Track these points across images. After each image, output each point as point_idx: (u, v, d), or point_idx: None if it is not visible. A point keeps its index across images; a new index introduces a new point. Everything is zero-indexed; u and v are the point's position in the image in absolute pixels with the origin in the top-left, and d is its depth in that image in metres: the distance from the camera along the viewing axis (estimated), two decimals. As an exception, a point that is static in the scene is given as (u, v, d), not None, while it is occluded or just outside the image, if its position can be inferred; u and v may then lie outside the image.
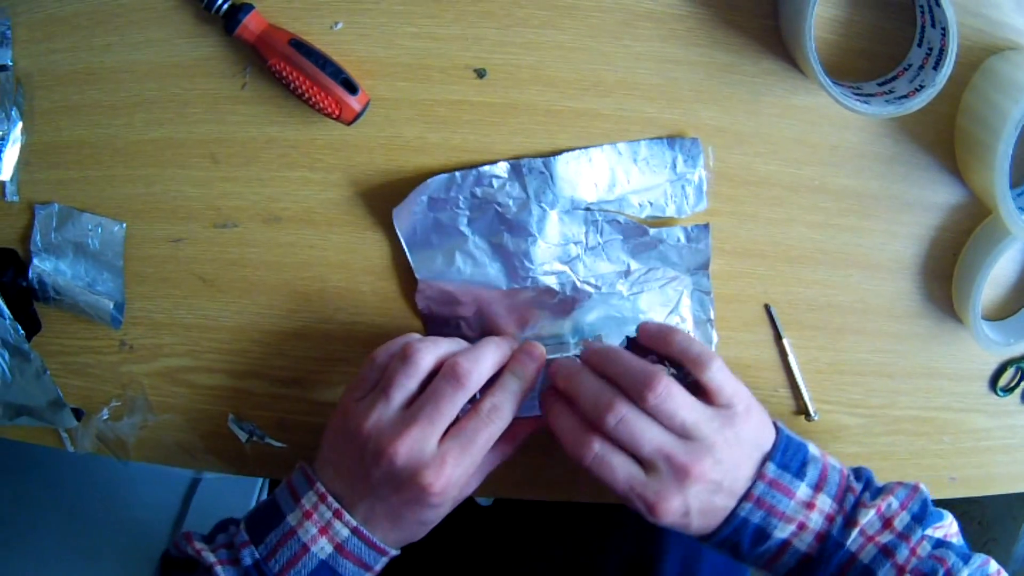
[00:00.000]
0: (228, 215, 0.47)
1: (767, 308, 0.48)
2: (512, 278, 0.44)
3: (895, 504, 0.40)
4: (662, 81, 0.43)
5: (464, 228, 0.44)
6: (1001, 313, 0.52)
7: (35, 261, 0.48)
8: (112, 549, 0.67)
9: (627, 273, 0.45)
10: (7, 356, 0.49)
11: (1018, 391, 0.55)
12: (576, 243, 0.44)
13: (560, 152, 0.43)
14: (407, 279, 0.47)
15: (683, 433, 0.39)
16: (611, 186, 0.44)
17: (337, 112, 0.43)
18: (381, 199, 0.46)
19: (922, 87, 0.41)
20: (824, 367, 0.50)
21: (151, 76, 0.45)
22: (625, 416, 0.38)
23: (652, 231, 0.44)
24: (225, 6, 0.42)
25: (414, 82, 0.43)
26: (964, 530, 0.44)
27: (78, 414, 0.51)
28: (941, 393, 0.53)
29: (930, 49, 0.41)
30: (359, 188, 0.46)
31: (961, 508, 0.47)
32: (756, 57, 0.43)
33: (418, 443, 0.37)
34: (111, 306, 0.49)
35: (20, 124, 0.46)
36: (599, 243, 0.44)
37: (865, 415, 0.53)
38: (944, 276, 0.49)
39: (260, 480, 0.71)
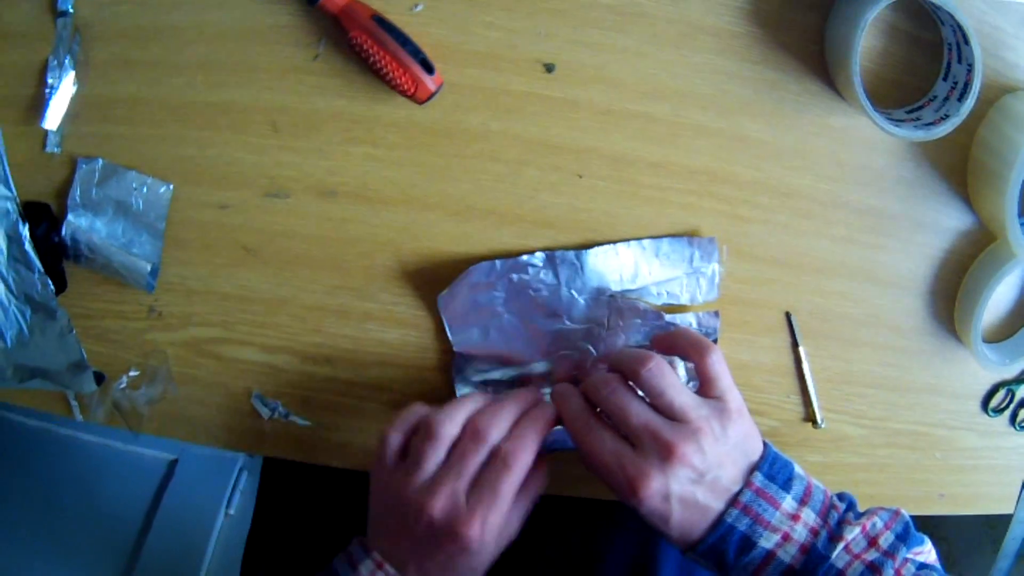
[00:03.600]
0: (281, 185, 0.49)
1: (788, 316, 0.53)
2: (539, 353, 0.50)
3: (879, 524, 0.44)
4: (714, 92, 0.48)
5: (500, 308, 0.49)
6: (998, 335, 0.57)
7: (70, 217, 0.48)
8: (86, 538, 0.65)
9: None
10: (28, 313, 0.49)
11: (1007, 412, 0.60)
12: (599, 325, 0.50)
13: (591, 246, 0.49)
14: (459, 269, 0.50)
15: (671, 414, 0.42)
16: (634, 277, 0.50)
17: (412, 90, 0.45)
18: (441, 179, 0.49)
19: (947, 116, 0.46)
20: (834, 376, 0.55)
21: (220, 38, 0.47)
22: (617, 388, 0.42)
23: (667, 316, 0.50)
24: None
25: (484, 70, 0.47)
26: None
27: (99, 378, 0.51)
28: (938, 410, 0.57)
29: (955, 83, 0.47)
30: (418, 168, 0.48)
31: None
32: (800, 77, 0.48)
33: (450, 499, 0.40)
34: (148, 268, 0.49)
35: (72, 73, 0.47)
36: (619, 325, 0.50)
37: (867, 426, 0.57)
38: (948, 296, 0.54)
39: (239, 463, 0.71)
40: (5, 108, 0.47)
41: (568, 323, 0.50)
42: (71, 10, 0.46)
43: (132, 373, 0.52)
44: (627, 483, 0.41)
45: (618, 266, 0.49)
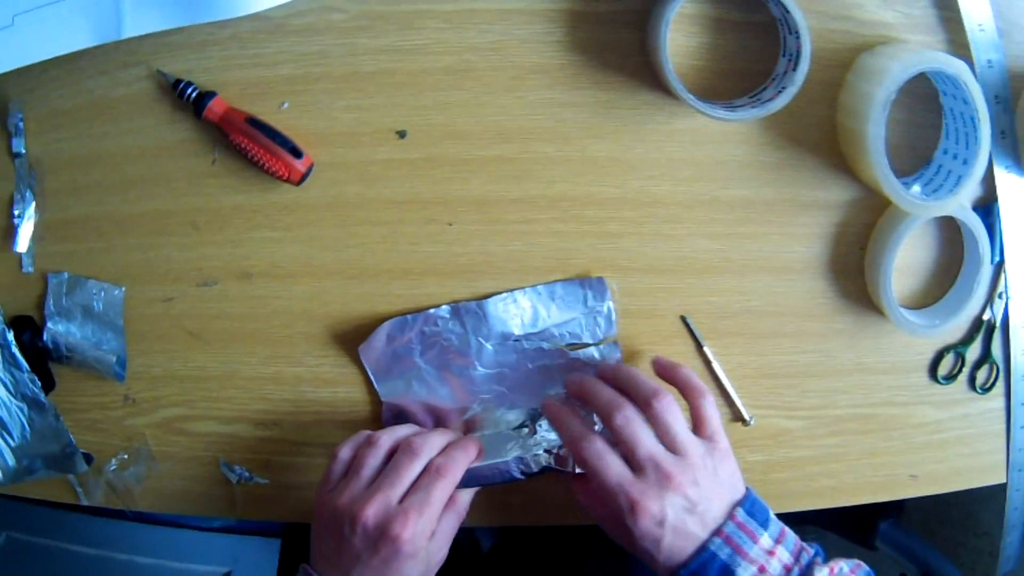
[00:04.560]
0: (209, 274, 0.57)
1: (683, 319, 0.55)
2: (459, 399, 0.56)
3: (845, 569, 0.48)
4: (554, 123, 0.52)
5: (417, 359, 0.56)
6: (928, 299, 0.58)
7: (49, 324, 0.59)
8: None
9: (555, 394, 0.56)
10: (26, 410, 0.59)
11: (962, 377, 0.59)
12: (509, 368, 0.56)
13: (491, 295, 0.55)
14: (365, 325, 0.56)
15: (673, 447, 0.48)
16: (535, 321, 0.55)
17: (287, 174, 0.53)
18: (334, 248, 0.56)
19: (783, 89, 0.48)
20: (751, 372, 0.57)
21: (141, 157, 0.56)
22: (631, 418, 0.48)
23: (571, 354, 0.55)
24: (194, 94, 0.54)
25: (348, 147, 0.54)
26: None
27: (88, 458, 0.60)
28: (879, 388, 0.58)
29: (791, 55, 0.49)
30: (313, 242, 0.56)
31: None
32: (634, 91, 0.52)
33: (383, 504, 0.47)
34: (114, 360, 0.58)
35: (33, 203, 0.57)
36: (528, 367, 0.55)
37: (804, 417, 0.58)
38: (856, 271, 0.56)
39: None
40: None
41: (480, 368, 0.56)
42: (24, 151, 0.57)
43: (120, 456, 0.61)
44: (628, 505, 0.46)
45: (518, 312, 0.55)
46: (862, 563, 0.49)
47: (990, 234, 0.57)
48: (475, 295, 0.55)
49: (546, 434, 0.55)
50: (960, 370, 0.59)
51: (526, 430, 0.56)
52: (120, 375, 0.60)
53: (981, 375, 0.59)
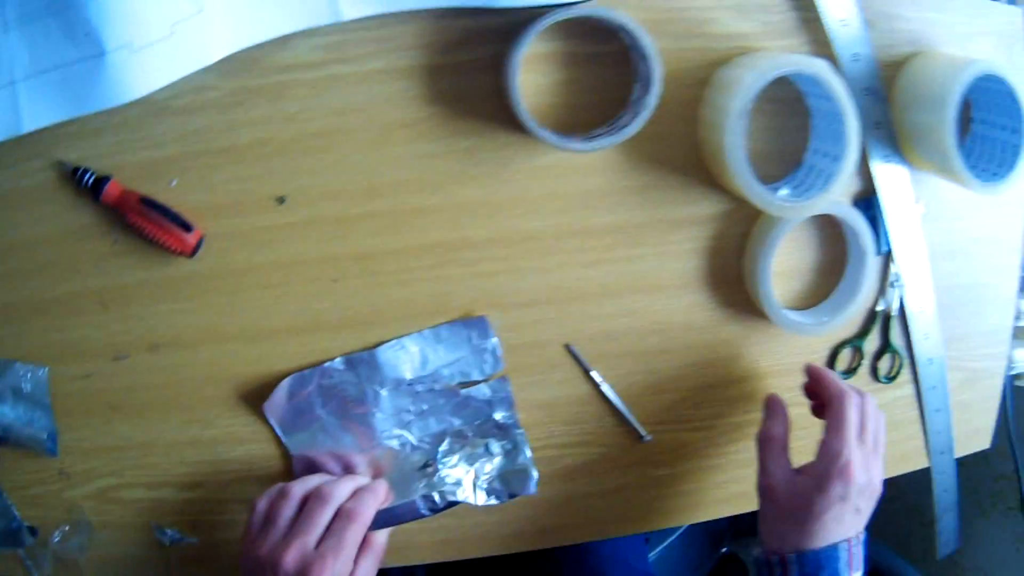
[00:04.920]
0: (120, 348, 0.60)
1: (567, 347, 0.57)
2: (363, 446, 0.59)
3: None
4: (421, 174, 0.56)
5: (319, 411, 0.59)
6: (818, 299, 0.60)
7: (-17, 408, 0.62)
8: None
9: (454, 433, 0.60)
10: (-32, 495, 0.61)
11: (862, 370, 0.60)
12: (406, 411, 0.59)
13: (380, 344, 0.58)
14: (267, 383, 0.59)
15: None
16: (424, 364, 0.58)
17: (180, 248, 0.56)
18: (230, 314, 0.59)
19: (638, 114, 0.51)
20: (642, 390, 0.60)
21: (49, 244, 0.59)
22: (868, 408, 0.56)
23: (463, 392, 0.58)
24: (91, 180, 0.57)
25: (234, 217, 0.57)
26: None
27: (33, 531, 0.63)
28: (778, 390, 0.61)
29: (644, 80, 0.52)
30: (211, 310, 0.59)
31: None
32: (495, 134, 0.55)
33: (300, 549, 0.50)
34: (46, 437, 0.62)
35: None
36: (424, 409, 0.59)
37: (702, 427, 0.60)
38: (736, 280, 0.59)
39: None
40: None
41: (379, 414, 0.59)
42: None
43: (64, 527, 0.64)
44: (844, 461, 0.52)
45: (407, 357, 0.58)
46: None
47: (874, 226, 0.59)
48: (366, 345, 0.58)
49: (450, 471, 0.58)
50: (859, 363, 0.61)
51: (430, 469, 0.59)
52: (53, 451, 0.63)
53: (883, 365, 0.62)
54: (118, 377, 0.61)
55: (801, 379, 0.59)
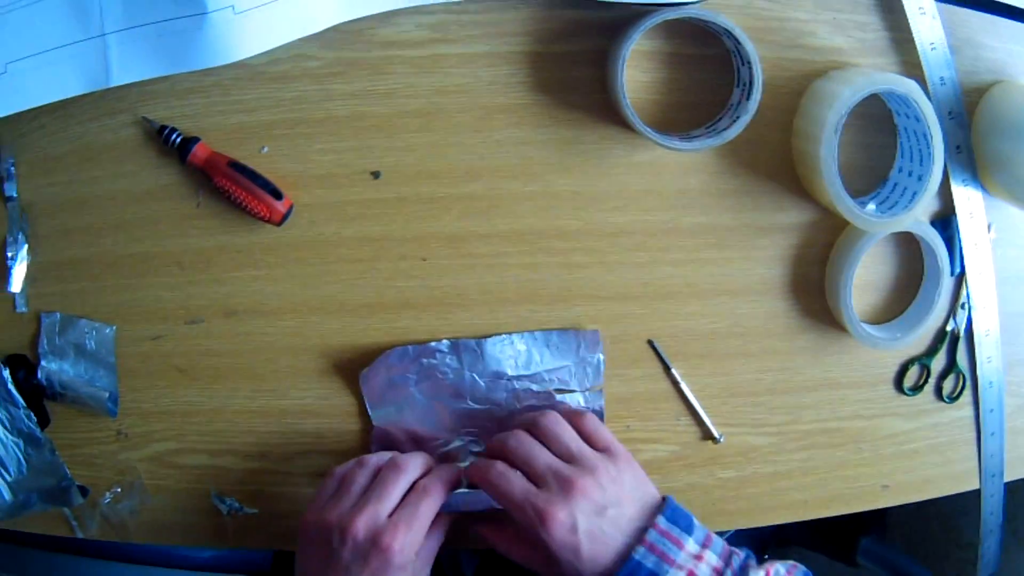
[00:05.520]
0: (195, 312, 0.62)
1: (651, 343, 0.60)
2: (446, 430, 0.61)
3: (782, 570, 0.52)
4: (520, 161, 0.58)
5: (412, 389, 0.61)
6: (889, 314, 0.63)
7: (43, 362, 0.64)
8: None
9: None
10: (22, 445, 0.63)
11: (928, 388, 0.63)
12: (498, 406, 0.61)
13: (490, 336, 0.60)
14: (345, 359, 0.62)
15: (569, 458, 0.53)
16: (528, 364, 0.60)
17: (268, 215, 0.58)
18: (314, 286, 0.61)
19: (738, 118, 0.53)
20: (718, 391, 0.62)
21: (129, 201, 0.62)
22: (522, 439, 0.54)
23: (558, 397, 0.61)
24: (178, 140, 0.59)
25: (326, 188, 0.59)
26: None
27: (84, 491, 0.64)
28: (846, 402, 0.64)
29: (744, 85, 0.55)
30: (294, 280, 0.61)
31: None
32: (595, 127, 0.58)
33: (372, 517, 0.52)
34: (107, 396, 0.63)
35: (26, 246, 0.63)
36: (516, 407, 0.61)
37: (772, 433, 0.62)
38: (817, 290, 0.61)
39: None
40: None
41: (471, 404, 0.62)
42: (16, 195, 0.62)
43: (115, 489, 0.65)
44: (537, 516, 0.51)
45: (514, 354, 0.61)
46: (799, 564, 0.53)
47: (949, 247, 0.62)
48: (449, 327, 0.61)
49: None
50: (926, 381, 0.64)
51: None
52: (113, 411, 0.64)
53: (948, 385, 0.65)
54: (189, 341, 0.63)
55: (872, 390, 0.62)
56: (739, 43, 0.53)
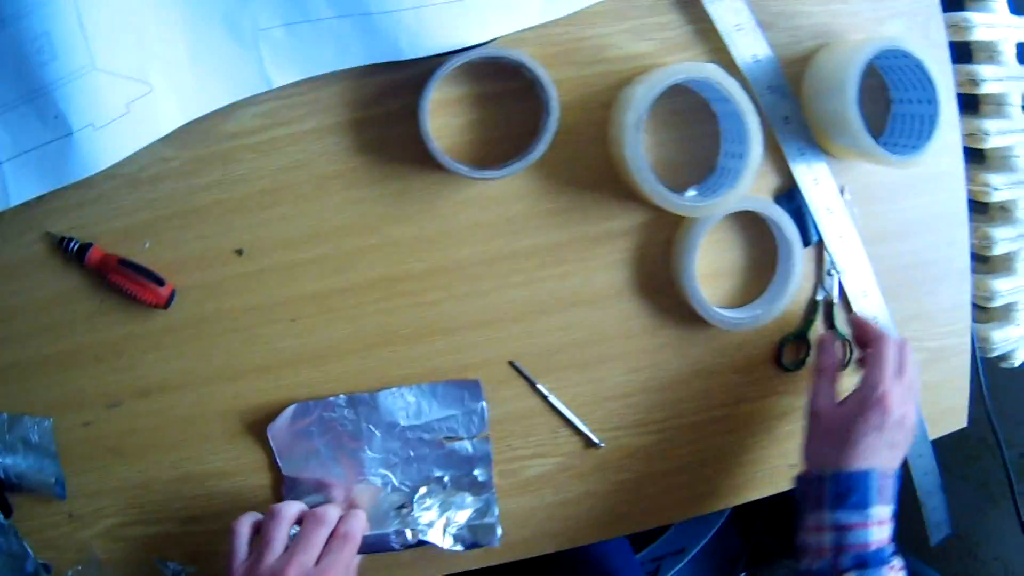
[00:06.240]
0: (114, 397, 0.79)
1: (511, 363, 0.74)
2: (350, 478, 0.75)
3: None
4: (359, 218, 0.72)
5: (316, 440, 0.74)
6: (752, 297, 0.74)
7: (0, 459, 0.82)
8: None
9: (433, 480, 0.75)
10: (-11, 541, 0.82)
11: (809, 360, 0.74)
12: (394, 454, 0.74)
13: (382, 389, 0.74)
14: (248, 419, 0.77)
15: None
16: (418, 414, 0.74)
17: (155, 301, 0.75)
18: (206, 358, 0.76)
19: (540, 139, 0.66)
20: (590, 399, 0.74)
21: (46, 307, 0.77)
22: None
23: (448, 445, 0.74)
24: (75, 247, 0.75)
25: (201, 270, 0.74)
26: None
27: (47, 568, 0.82)
28: (726, 389, 0.74)
29: (546, 106, 0.66)
30: (191, 355, 0.76)
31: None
32: (419, 175, 0.71)
33: (302, 567, 0.63)
34: (54, 482, 0.81)
35: None
36: (411, 455, 0.74)
37: (655, 431, 0.74)
38: (668, 286, 0.72)
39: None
40: None
41: (370, 453, 0.75)
42: None
43: (77, 567, 0.84)
44: (882, 395, 0.66)
45: (404, 405, 0.74)
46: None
47: (799, 219, 0.72)
48: (326, 377, 0.74)
49: (424, 513, 0.75)
50: (806, 354, 0.75)
51: (405, 510, 0.75)
52: (62, 495, 0.82)
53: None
54: (114, 423, 0.78)
55: (751, 373, 0.74)
56: (532, 71, 0.64)
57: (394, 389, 0.73)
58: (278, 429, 0.76)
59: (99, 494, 0.80)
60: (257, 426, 0.77)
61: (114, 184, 0.74)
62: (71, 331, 0.78)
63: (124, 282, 0.75)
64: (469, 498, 0.75)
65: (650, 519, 0.75)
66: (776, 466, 0.76)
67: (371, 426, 0.74)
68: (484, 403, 0.73)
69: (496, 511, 0.75)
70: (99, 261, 0.76)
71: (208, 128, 0.72)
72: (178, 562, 0.80)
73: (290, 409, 0.75)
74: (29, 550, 0.82)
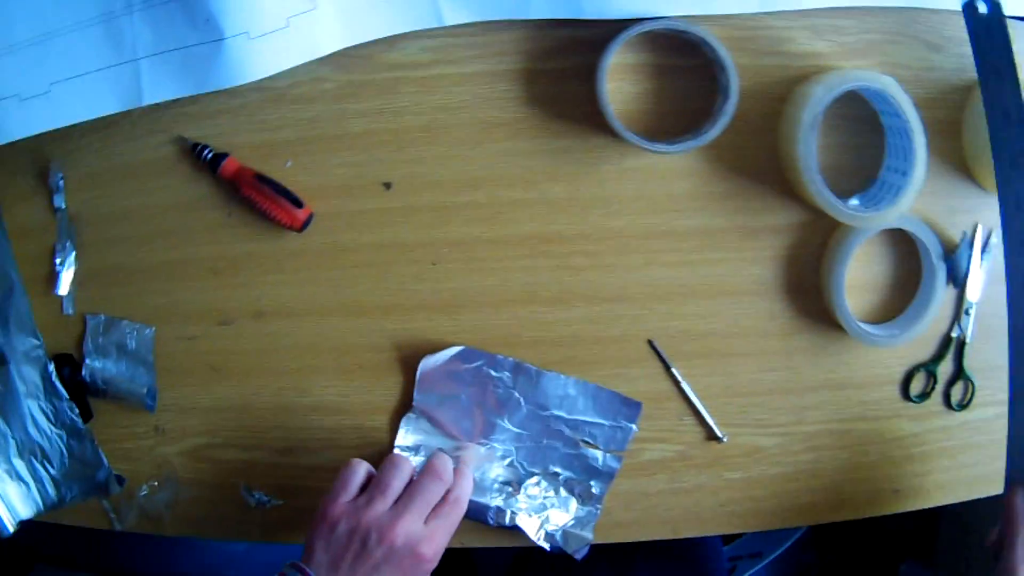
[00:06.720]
0: (226, 314, 0.79)
1: (650, 343, 0.73)
2: (473, 436, 0.75)
3: None
4: (518, 171, 0.72)
5: (462, 388, 0.74)
6: (893, 315, 0.74)
7: (87, 360, 0.81)
8: None
9: (550, 474, 0.76)
10: (65, 437, 0.82)
11: (935, 395, 0.74)
12: (528, 434, 0.75)
13: (551, 370, 0.74)
14: (364, 357, 0.77)
15: None
16: (571, 409, 0.74)
17: (290, 222, 0.74)
18: (333, 289, 0.77)
19: (717, 121, 0.66)
20: (720, 391, 0.74)
21: (165, 212, 0.78)
22: None
23: (582, 448, 0.74)
24: (209, 155, 0.75)
25: (343, 198, 0.75)
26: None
27: (120, 480, 0.82)
28: (850, 403, 0.74)
29: (724, 91, 0.67)
30: (316, 284, 0.77)
31: None
32: (586, 137, 0.71)
33: (412, 525, 0.63)
34: (145, 392, 0.81)
35: (74, 253, 0.79)
36: (543, 442, 0.75)
37: (777, 434, 0.75)
38: (814, 290, 0.73)
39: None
40: (31, 283, 0.80)
41: (507, 422, 0.75)
42: (64, 206, 0.79)
43: (151, 482, 0.83)
44: None
45: (563, 394, 0.74)
46: None
47: (950, 249, 0.72)
48: (458, 327, 0.75)
49: (527, 500, 0.75)
50: (933, 388, 0.74)
51: (510, 489, 0.76)
52: (151, 407, 0.82)
53: (956, 392, 0.74)
54: (222, 341, 0.79)
55: (877, 391, 0.74)
56: (715, 51, 0.65)
57: (561, 376, 0.74)
58: (432, 362, 0.75)
59: (191, 411, 0.81)
60: (375, 366, 0.78)
61: (259, 96, 0.74)
62: (190, 240, 0.78)
63: (258, 198, 0.74)
64: (575, 504, 0.76)
65: (754, 522, 0.76)
66: (880, 489, 0.76)
67: (522, 399, 0.74)
68: (635, 426, 0.74)
69: (593, 528, 0.76)
70: (233, 173, 0.75)
71: (370, 54, 0.73)
72: (264, 492, 0.79)
73: (455, 349, 0.75)
74: (104, 459, 0.81)
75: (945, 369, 0.74)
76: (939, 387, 0.74)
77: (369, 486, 0.66)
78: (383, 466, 0.67)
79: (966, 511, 0.77)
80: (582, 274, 0.73)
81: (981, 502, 0.76)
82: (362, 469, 0.68)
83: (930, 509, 0.77)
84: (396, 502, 0.65)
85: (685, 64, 0.70)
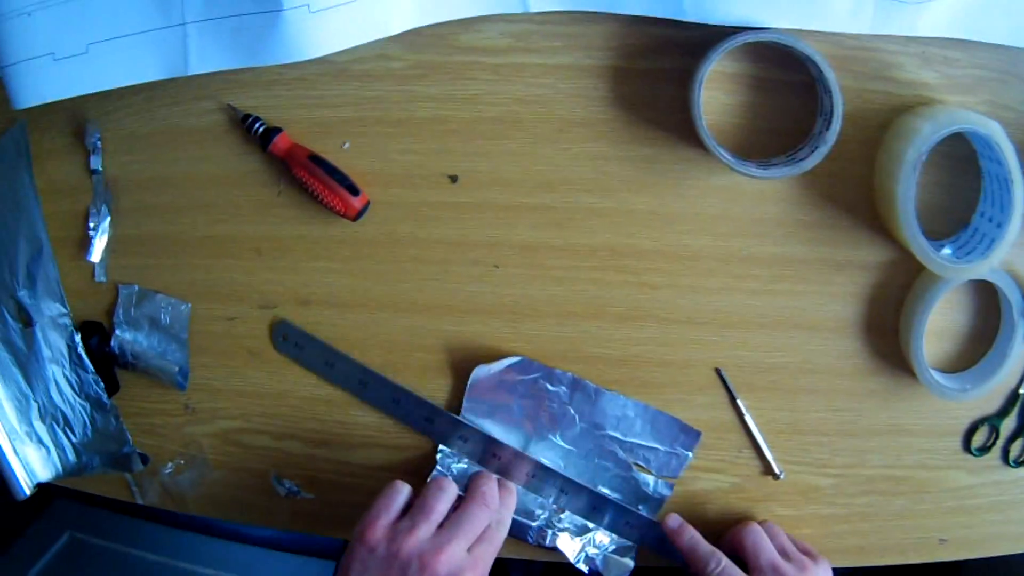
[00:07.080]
0: (269, 298, 0.75)
1: (718, 371, 0.70)
2: (519, 448, 0.72)
3: None
4: (596, 175, 0.67)
5: (515, 399, 0.71)
6: (964, 365, 0.70)
7: (117, 331, 0.77)
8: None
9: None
10: (88, 408, 0.78)
11: (995, 450, 0.71)
12: (581, 453, 0.72)
13: (610, 389, 0.71)
14: (413, 356, 0.73)
15: (784, 556, 0.68)
16: (627, 431, 0.71)
17: (344, 210, 0.70)
18: (386, 282, 0.72)
19: (816, 148, 0.62)
20: (783, 427, 0.71)
21: (210, 184, 0.73)
22: (756, 530, 0.69)
23: (634, 471, 0.71)
24: (261, 129, 0.70)
25: (403, 188, 0.70)
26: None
27: (144, 459, 0.79)
28: (911, 450, 0.71)
29: (826, 115, 0.62)
30: (367, 275, 0.72)
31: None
32: (674, 147, 0.66)
33: (456, 554, 0.58)
34: (177, 370, 0.77)
35: (108, 218, 0.75)
36: (595, 462, 0.72)
37: (834, 475, 0.71)
38: (890, 332, 0.69)
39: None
40: (60, 247, 0.76)
41: (558, 439, 0.72)
42: (101, 169, 0.74)
43: (177, 461, 0.80)
44: None
45: (620, 415, 0.71)
46: None
47: None
48: (518, 336, 0.71)
49: (570, 521, 0.72)
50: (993, 443, 0.71)
51: (555, 507, 0.73)
52: (182, 384, 0.79)
53: (1015, 449, 0.71)
54: (263, 325, 0.74)
55: (939, 441, 0.70)
56: (820, 70, 0.60)
57: (622, 397, 0.71)
58: (486, 371, 0.72)
59: (223, 393, 0.78)
60: (423, 366, 0.74)
61: (319, 70, 0.69)
62: (235, 217, 0.74)
63: (311, 180, 0.70)
64: None
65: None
66: (928, 537, 0.73)
67: (578, 416, 0.71)
68: (691, 454, 0.71)
69: (634, 554, 0.73)
70: (286, 151, 0.71)
71: (444, 35, 0.67)
72: (295, 483, 0.76)
73: (511, 359, 0.71)
74: (128, 436, 0.79)
75: (1008, 424, 0.71)
76: (1000, 442, 0.71)
77: (411, 509, 0.62)
78: (427, 488, 0.63)
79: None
80: (655, 292, 0.69)
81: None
82: (405, 490, 0.64)
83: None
84: (439, 527, 0.62)
85: (786, 80, 0.65)
